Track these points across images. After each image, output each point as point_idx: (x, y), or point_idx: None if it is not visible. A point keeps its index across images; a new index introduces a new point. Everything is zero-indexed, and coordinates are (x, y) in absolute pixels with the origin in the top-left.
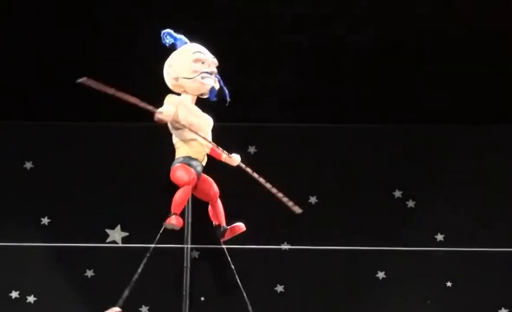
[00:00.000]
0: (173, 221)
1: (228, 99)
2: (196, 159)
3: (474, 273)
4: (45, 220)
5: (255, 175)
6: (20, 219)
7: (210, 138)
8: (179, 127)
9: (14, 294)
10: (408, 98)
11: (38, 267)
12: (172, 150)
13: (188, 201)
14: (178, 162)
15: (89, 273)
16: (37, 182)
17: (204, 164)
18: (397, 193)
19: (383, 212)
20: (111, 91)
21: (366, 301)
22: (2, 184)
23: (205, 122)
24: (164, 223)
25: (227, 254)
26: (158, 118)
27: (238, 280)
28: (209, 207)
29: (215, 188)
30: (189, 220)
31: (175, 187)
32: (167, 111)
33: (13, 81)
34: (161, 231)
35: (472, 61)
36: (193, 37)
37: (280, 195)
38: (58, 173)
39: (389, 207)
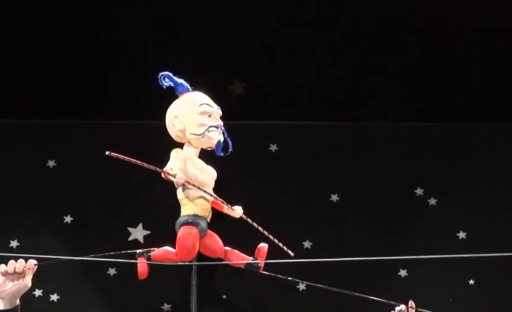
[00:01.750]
0: (139, 268)
1: (231, 149)
2: (202, 217)
3: (497, 271)
4: (68, 219)
5: (255, 225)
6: (42, 217)
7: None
8: (189, 187)
9: (38, 293)
10: (431, 96)
11: (61, 265)
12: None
13: None
14: (186, 222)
15: (112, 271)
16: (60, 181)
17: (209, 220)
18: (419, 191)
19: (404, 209)
20: (133, 161)
21: (388, 299)
22: (25, 182)
23: (210, 176)
24: (138, 252)
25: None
26: (170, 180)
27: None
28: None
29: (220, 242)
30: None
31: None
32: (177, 169)
33: (36, 79)
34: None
35: (495, 57)
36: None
37: (276, 241)
38: (81, 172)
39: (411, 205)
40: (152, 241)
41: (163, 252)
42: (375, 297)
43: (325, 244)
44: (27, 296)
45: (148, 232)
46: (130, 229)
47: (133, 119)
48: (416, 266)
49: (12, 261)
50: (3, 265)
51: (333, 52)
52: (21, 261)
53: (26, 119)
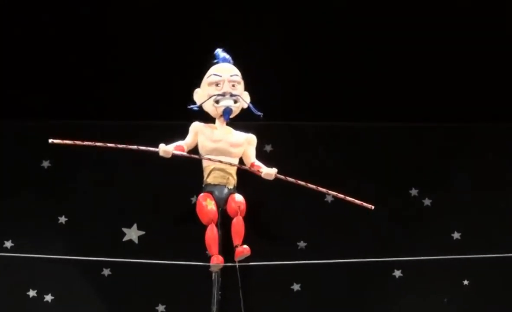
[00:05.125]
0: (212, 263)
1: (258, 113)
2: (217, 185)
3: (491, 271)
4: (62, 219)
5: (292, 179)
6: (37, 218)
7: (251, 154)
8: (202, 158)
9: (32, 293)
10: (426, 97)
11: (56, 266)
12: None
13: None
14: (202, 192)
15: (106, 272)
16: (54, 181)
17: (231, 186)
18: (413, 192)
19: (400, 210)
20: (80, 143)
21: (383, 300)
22: (20, 183)
23: (226, 144)
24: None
25: (238, 273)
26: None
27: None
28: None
29: (234, 206)
30: None
31: (191, 185)
32: (167, 145)
33: (31, 80)
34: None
35: (486, 59)
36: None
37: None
38: (75, 172)
39: (406, 205)
40: (147, 242)
41: (206, 239)
42: (370, 297)
43: (319, 245)
44: (21, 297)
45: (143, 232)
46: (125, 230)
47: (127, 119)
48: (411, 266)
49: None
50: None
51: (325, 52)
52: None
53: (21, 120)
